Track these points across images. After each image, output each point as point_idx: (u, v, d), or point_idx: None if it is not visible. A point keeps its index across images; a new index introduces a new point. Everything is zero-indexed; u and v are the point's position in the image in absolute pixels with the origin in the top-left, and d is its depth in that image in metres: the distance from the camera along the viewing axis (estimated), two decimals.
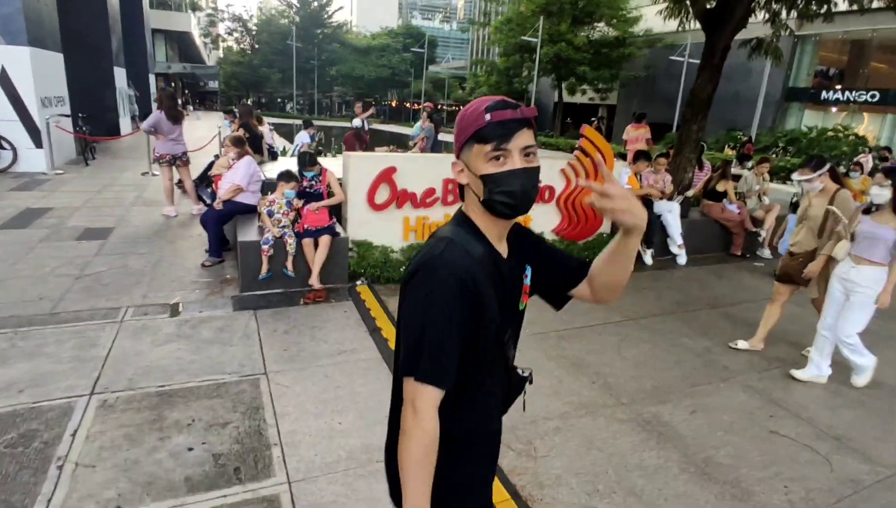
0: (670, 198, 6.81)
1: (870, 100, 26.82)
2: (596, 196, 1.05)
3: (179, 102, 9.82)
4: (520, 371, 1.39)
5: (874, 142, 22.06)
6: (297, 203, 4.91)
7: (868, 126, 26.59)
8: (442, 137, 10.30)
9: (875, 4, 8.15)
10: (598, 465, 2.80)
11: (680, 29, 8.77)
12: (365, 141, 10.30)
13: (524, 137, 1.10)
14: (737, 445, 3.08)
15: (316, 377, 3.45)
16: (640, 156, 6.56)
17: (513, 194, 1.11)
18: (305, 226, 4.78)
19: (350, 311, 4.52)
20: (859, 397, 3.75)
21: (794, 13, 7.74)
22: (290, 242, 4.70)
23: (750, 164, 9.21)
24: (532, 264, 1.31)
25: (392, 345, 3.89)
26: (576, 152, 5.94)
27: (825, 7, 7.09)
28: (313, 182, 5.04)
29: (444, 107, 52.28)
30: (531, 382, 1.41)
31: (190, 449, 2.70)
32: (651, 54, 31.75)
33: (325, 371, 3.52)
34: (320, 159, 5.38)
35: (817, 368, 3.87)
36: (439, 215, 5.42)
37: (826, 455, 3.05)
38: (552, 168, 5.87)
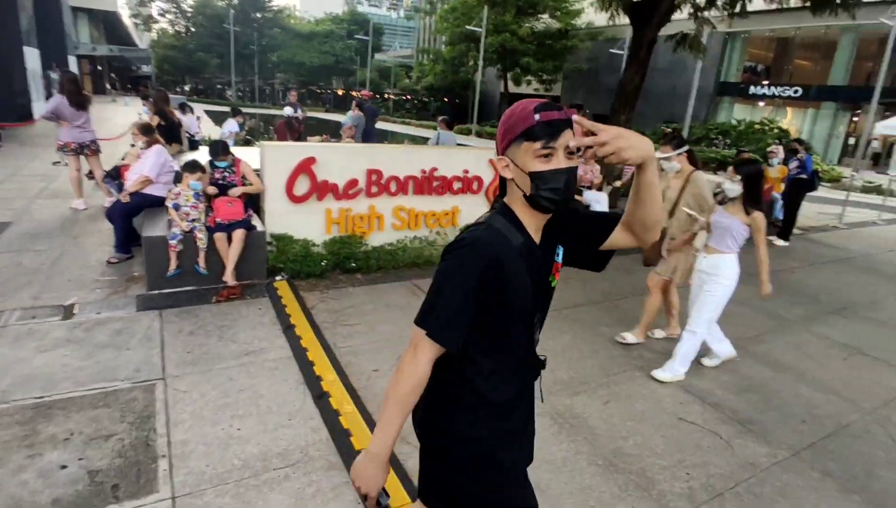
0: (599, 188, 6.91)
1: (793, 95, 28.38)
2: (596, 148, 1.13)
3: (108, 86, 9.11)
4: (538, 356, 1.48)
5: (796, 135, 23.35)
6: (212, 191, 4.64)
7: (791, 120, 28.16)
8: (395, 127, 10.07)
9: (793, 3, 8.54)
10: None
11: (610, 22, 8.89)
12: (298, 130, 9.94)
13: (567, 137, 1.19)
14: (645, 434, 3.11)
15: (218, 380, 3.25)
16: None
17: (558, 190, 1.21)
18: (217, 220, 4.51)
19: (265, 308, 4.30)
20: (764, 380, 3.89)
21: (714, 10, 7.98)
22: (201, 236, 4.42)
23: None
24: (563, 242, 1.39)
25: (304, 344, 3.72)
26: None
27: (739, 4, 7.35)
28: (226, 173, 4.77)
29: (391, 96, 51.65)
30: (544, 367, 1.50)
31: (63, 467, 2.46)
32: (593, 47, 32.40)
33: (229, 374, 3.32)
34: (251, 149, 5.11)
35: (717, 356, 4.00)
36: (363, 206, 5.26)
37: (728, 439, 3.13)
38: (479, 159, 5.81)
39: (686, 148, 4.00)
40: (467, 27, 31.61)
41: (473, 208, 5.93)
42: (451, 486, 1.41)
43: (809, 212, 11.02)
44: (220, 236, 4.46)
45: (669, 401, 3.49)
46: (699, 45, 8.30)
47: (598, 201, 6.62)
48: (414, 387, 1.26)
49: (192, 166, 4.46)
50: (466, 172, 5.73)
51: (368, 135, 10.26)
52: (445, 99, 44.65)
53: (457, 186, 5.71)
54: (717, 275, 3.59)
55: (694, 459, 2.93)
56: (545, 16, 33.18)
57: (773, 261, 7.20)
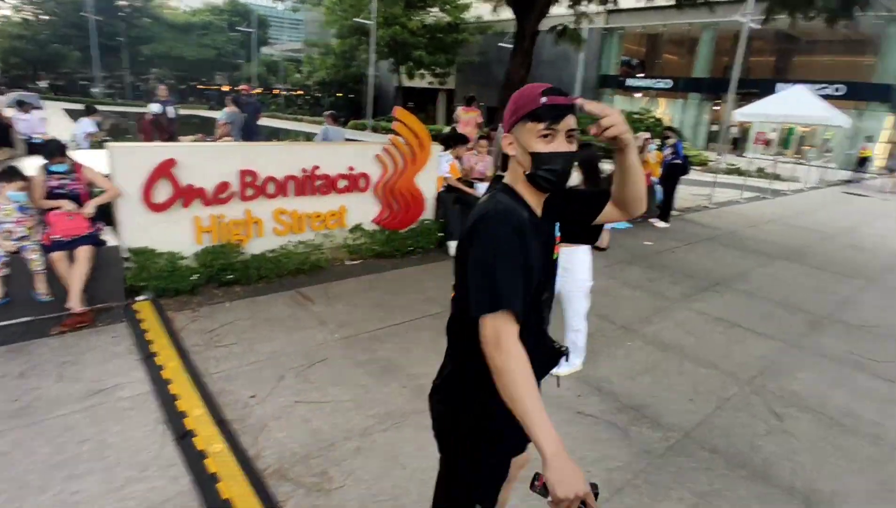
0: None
1: (665, 87, 30.84)
2: (609, 126, 1.22)
3: None
4: (555, 344, 1.54)
5: (669, 123, 25.32)
6: (49, 205, 3.92)
7: (665, 110, 30.54)
8: (286, 124, 9.37)
9: (661, 1, 9.07)
10: (399, 486, 2.52)
11: (494, 14, 8.94)
12: (168, 130, 8.99)
13: (570, 121, 1.27)
14: None
15: (52, 431, 2.69)
16: (459, 140, 6.49)
17: (554, 172, 1.29)
18: (54, 237, 3.82)
19: (121, 336, 3.71)
20: (655, 361, 3.98)
21: (590, 5, 8.27)
22: (35, 257, 3.71)
23: None
24: (559, 218, 1.46)
25: (166, 374, 3.23)
26: (391, 137, 5.64)
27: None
28: (66, 180, 4.06)
29: (282, 91, 49.37)
30: (567, 357, 1.57)
31: None
32: (484, 41, 32.98)
33: (67, 422, 2.77)
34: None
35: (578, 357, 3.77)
36: (238, 211, 4.75)
37: (625, 427, 3.13)
38: (365, 154, 5.50)
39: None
40: (356, 19, 30.78)
41: (363, 207, 5.62)
42: (463, 467, 1.47)
43: (685, 194, 11.89)
44: (58, 256, 3.78)
45: (569, 395, 3.44)
46: (578, 38, 8.58)
47: None
48: (525, 371, 1.15)
49: (9, 174, 3.72)
50: (352, 169, 5.39)
51: (251, 133, 9.52)
52: (339, 94, 43.40)
53: (342, 184, 5.36)
54: (572, 270, 3.45)
55: (594, 454, 2.87)
56: (435, 9, 33.22)
57: (656, 242, 7.65)
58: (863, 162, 19.86)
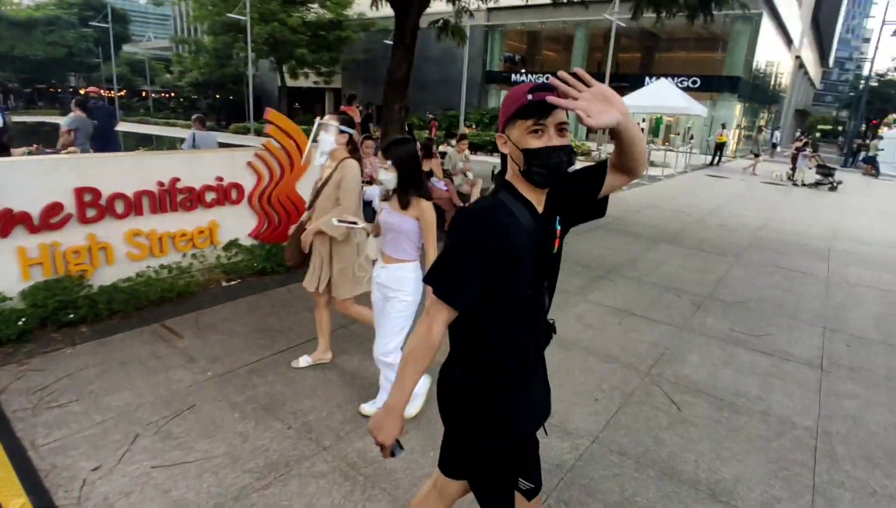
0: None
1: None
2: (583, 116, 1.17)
3: None
4: (550, 322, 1.62)
5: None
6: None
7: None
8: (155, 130, 8.25)
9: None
10: None
11: (373, 9, 8.58)
12: None
13: (559, 115, 1.31)
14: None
15: None
16: None
17: (547, 166, 1.34)
18: None
19: None
20: (559, 362, 3.87)
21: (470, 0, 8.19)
22: None
23: (453, 142, 9.69)
24: (565, 204, 1.49)
25: None
26: (264, 142, 5.10)
27: None
28: None
29: (150, 94, 45.21)
30: (555, 332, 1.64)
31: None
32: (368, 38, 32.40)
33: None
34: None
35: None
36: (78, 237, 3.99)
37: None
38: (235, 162, 4.92)
39: (352, 131, 3.27)
40: (229, 15, 28.79)
41: (237, 221, 5.04)
42: (472, 453, 1.55)
43: None
44: None
45: None
46: (461, 33, 8.47)
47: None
48: (427, 349, 1.35)
49: None
50: (221, 179, 4.78)
51: (106, 142, 8.35)
52: (217, 95, 40.56)
53: (210, 197, 4.73)
54: (400, 290, 2.79)
55: None
56: (315, 6, 32.03)
57: None
58: (720, 147, 22.03)
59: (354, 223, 3.00)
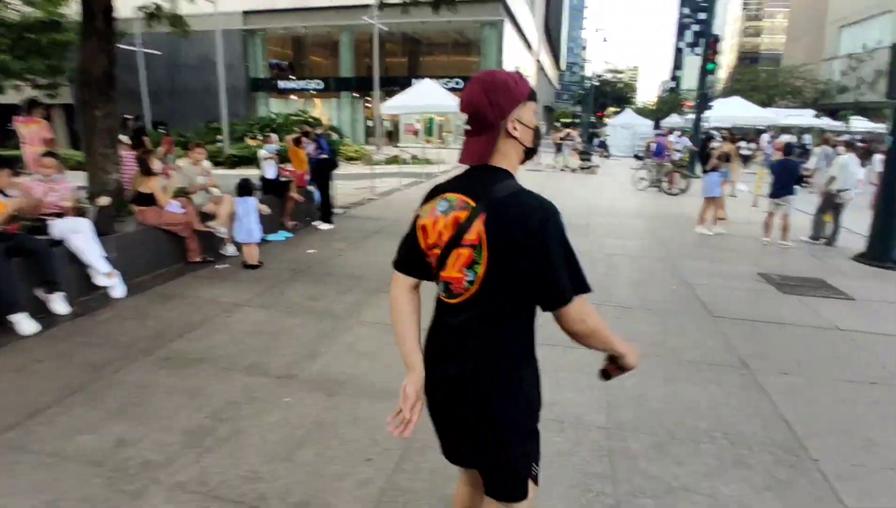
0: (81, 214, 4.88)
1: (318, 88, 31.22)
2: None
3: None
4: None
5: (328, 123, 25.61)
6: None
7: (322, 110, 30.90)
8: None
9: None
10: None
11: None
12: None
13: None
14: None
15: None
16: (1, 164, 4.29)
17: (540, 139, 1.46)
18: None
19: None
20: (319, 415, 3.01)
21: None
22: None
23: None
24: None
25: None
26: None
27: None
28: None
29: None
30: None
31: None
32: None
33: None
34: None
35: None
36: None
37: None
38: None
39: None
40: None
41: None
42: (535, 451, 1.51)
43: (348, 190, 11.64)
44: None
45: None
46: (180, 21, 7.01)
47: (76, 231, 4.57)
48: (598, 323, 1.39)
49: None
50: None
51: None
52: None
53: None
54: None
55: None
56: (17, 2, 25.80)
57: (320, 249, 6.85)
58: None
59: None
